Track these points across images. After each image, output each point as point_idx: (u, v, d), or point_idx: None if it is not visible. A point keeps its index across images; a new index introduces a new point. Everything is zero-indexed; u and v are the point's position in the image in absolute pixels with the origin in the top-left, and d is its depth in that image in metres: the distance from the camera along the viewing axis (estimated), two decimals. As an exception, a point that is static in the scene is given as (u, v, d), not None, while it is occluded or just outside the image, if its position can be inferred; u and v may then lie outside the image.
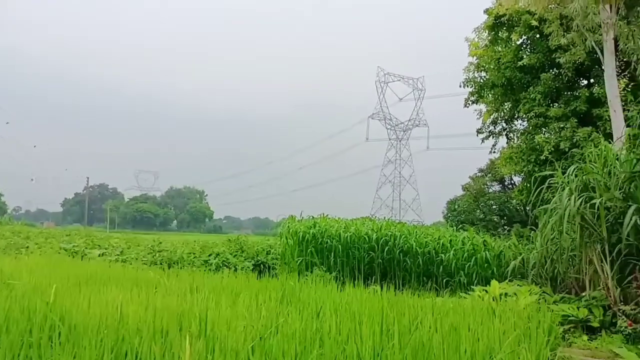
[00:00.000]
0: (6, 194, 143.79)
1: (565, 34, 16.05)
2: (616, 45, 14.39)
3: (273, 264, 15.60)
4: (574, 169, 9.19)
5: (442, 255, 13.45)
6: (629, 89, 16.00)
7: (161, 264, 14.32)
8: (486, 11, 20.47)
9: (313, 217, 16.39)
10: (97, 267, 10.87)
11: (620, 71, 15.27)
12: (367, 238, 14.17)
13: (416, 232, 14.86)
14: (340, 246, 14.05)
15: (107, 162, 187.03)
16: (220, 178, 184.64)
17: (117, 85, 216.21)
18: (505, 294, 8.86)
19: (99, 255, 15.74)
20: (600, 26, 13.76)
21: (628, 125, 12.74)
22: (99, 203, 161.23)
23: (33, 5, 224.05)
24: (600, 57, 14.03)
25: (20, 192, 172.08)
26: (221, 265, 14.40)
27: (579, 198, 8.17)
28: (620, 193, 8.15)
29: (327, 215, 16.59)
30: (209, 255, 15.37)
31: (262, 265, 15.40)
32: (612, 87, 13.48)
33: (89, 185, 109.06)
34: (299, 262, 14.14)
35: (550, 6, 15.31)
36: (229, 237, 18.78)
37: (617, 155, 8.97)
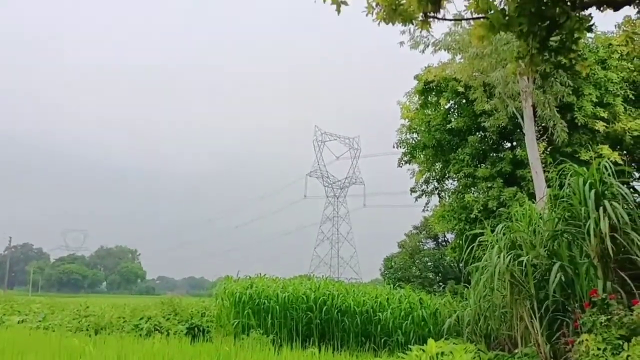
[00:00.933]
0: None
1: (488, 100, 17.21)
2: (535, 112, 15.56)
3: (208, 326, 14.99)
4: (502, 228, 9.59)
5: (380, 314, 13.43)
6: (548, 152, 17.19)
7: (88, 330, 13.45)
8: (416, 77, 21.66)
9: (250, 276, 16.06)
10: (15, 336, 10.06)
11: (539, 135, 16.44)
12: (305, 298, 13.97)
13: (354, 290, 14.82)
14: (277, 307, 13.74)
15: (32, 221, 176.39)
16: (153, 237, 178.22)
17: (42, 141, 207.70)
18: (442, 352, 8.91)
19: (18, 322, 14.61)
20: (519, 94, 14.89)
21: (549, 186, 13.57)
22: (22, 264, 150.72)
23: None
24: (521, 122, 15.09)
25: None
26: (153, 329, 13.67)
27: (508, 255, 8.49)
28: (545, 250, 8.55)
29: (264, 274, 16.31)
30: (140, 319, 14.58)
31: (196, 328, 14.74)
32: (533, 150, 14.45)
33: (11, 245, 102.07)
34: (234, 324, 13.67)
35: (474, 74, 16.44)
36: (162, 299, 17.97)
37: (540, 214, 9.48)
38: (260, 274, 16.38)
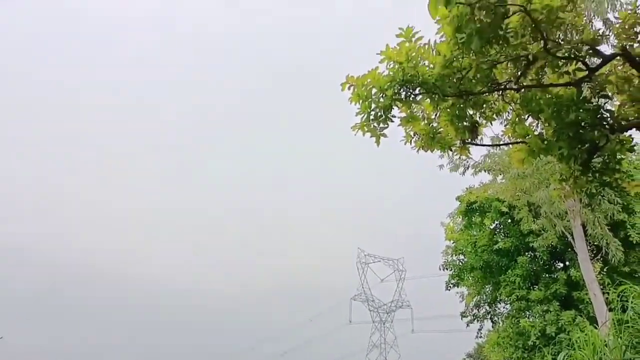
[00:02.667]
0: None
1: (535, 219, 16.90)
2: (585, 231, 15.10)
3: None
4: (564, 356, 8.91)
5: None
6: (604, 272, 16.34)
7: None
8: (458, 198, 21.71)
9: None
10: None
11: (593, 255, 15.80)
12: None
13: None
14: None
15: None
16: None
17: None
18: None
19: None
20: (567, 213, 14.59)
21: (610, 309, 12.74)
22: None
23: None
24: (572, 241, 14.61)
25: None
26: None
27: (574, 388, 7.79)
28: (615, 382, 7.81)
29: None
30: None
31: None
32: (588, 271, 13.81)
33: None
34: None
35: (517, 194, 16.37)
36: None
37: (605, 341, 8.81)
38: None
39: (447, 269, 22.58)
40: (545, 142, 5.04)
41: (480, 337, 23.74)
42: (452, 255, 22.60)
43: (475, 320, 22.90)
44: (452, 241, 22.67)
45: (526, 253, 20.03)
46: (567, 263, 19.74)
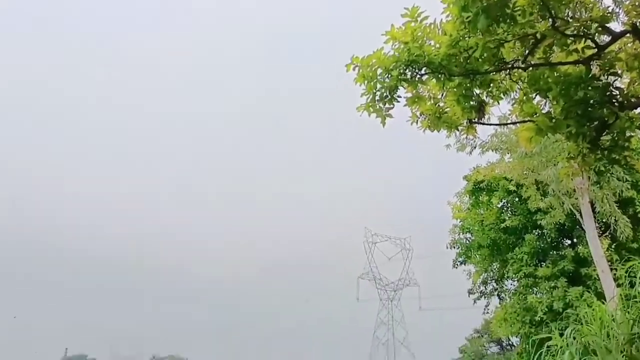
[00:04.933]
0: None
1: (542, 197, 16.85)
2: (593, 208, 15.06)
3: None
4: (572, 331, 8.96)
5: None
6: (612, 249, 16.33)
7: None
8: (465, 177, 21.65)
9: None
10: None
11: (601, 232, 15.77)
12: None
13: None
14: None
15: (87, 332, 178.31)
16: (202, 344, 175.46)
17: (93, 253, 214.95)
18: None
19: None
20: (575, 190, 14.54)
21: (618, 285, 12.77)
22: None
23: None
24: (580, 218, 14.58)
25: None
26: None
27: (582, 363, 7.85)
28: (622, 356, 7.87)
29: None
30: None
31: None
32: (596, 247, 13.80)
33: (66, 356, 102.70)
34: None
35: (525, 173, 16.30)
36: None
37: (612, 316, 8.85)
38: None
39: (454, 248, 22.65)
40: (554, 121, 5.00)
41: (488, 313, 23.94)
42: (459, 234, 22.63)
43: (483, 297, 23.04)
44: (459, 220, 22.68)
45: (534, 231, 20.01)
46: (575, 240, 19.73)
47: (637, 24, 4.73)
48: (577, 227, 18.21)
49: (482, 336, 40.29)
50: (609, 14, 4.83)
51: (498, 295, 22.78)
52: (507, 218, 20.14)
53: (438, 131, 6.09)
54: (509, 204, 21.34)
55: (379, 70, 5.34)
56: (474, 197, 21.68)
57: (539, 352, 9.60)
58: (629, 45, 5.06)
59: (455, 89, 5.50)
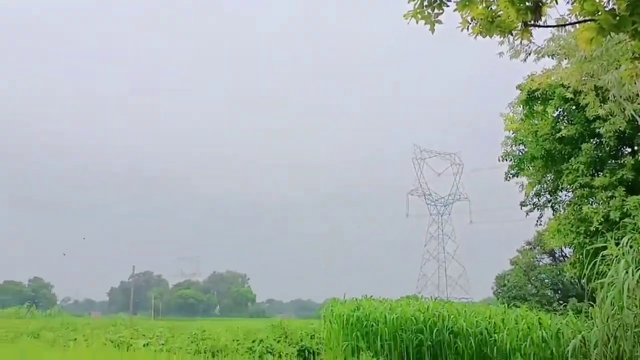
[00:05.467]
0: (56, 285, 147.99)
1: (602, 104, 16.01)
2: (657, 113, 14.24)
3: (318, 349, 15.19)
4: (629, 240, 8.85)
5: (496, 335, 12.83)
6: (676, 156, 15.61)
7: (205, 352, 14.15)
8: (519, 86, 20.74)
9: (356, 298, 16.09)
10: (142, 358, 10.84)
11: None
12: (414, 319, 13.71)
13: (465, 311, 14.32)
14: (386, 329, 13.61)
15: (152, 250, 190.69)
16: (260, 261, 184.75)
17: (156, 174, 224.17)
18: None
19: (143, 346, 15.68)
20: (638, 95, 13.71)
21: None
22: (144, 291, 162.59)
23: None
24: (642, 125, 13.86)
25: (69, 283, 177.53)
26: (265, 352, 14.11)
27: (637, 270, 7.81)
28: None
29: (371, 296, 16.26)
30: (253, 342, 15.12)
31: (306, 351, 15.00)
32: (658, 154, 13.18)
33: (134, 273, 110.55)
34: (344, 347, 13.73)
35: (583, 79, 15.42)
36: (272, 322, 18.56)
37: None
38: (366, 295, 16.38)
39: (506, 160, 22.19)
40: (617, 18, 4.63)
41: (540, 225, 23.76)
42: (511, 146, 22.07)
43: (535, 209, 22.78)
44: (511, 132, 22.02)
45: (591, 140, 19.25)
46: (636, 148, 18.91)
47: None
48: (639, 134, 17.37)
49: (533, 248, 40.31)
50: None
51: (552, 206, 22.46)
52: (562, 128, 19.38)
53: (490, 37, 5.76)
54: (565, 113, 20.44)
55: (427, -27, 5.04)
56: (527, 107, 20.83)
57: (593, 262, 9.60)
58: None
59: (509, -11, 5.14)
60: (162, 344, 15.93)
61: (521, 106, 21.12)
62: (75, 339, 17.91)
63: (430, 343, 13.28)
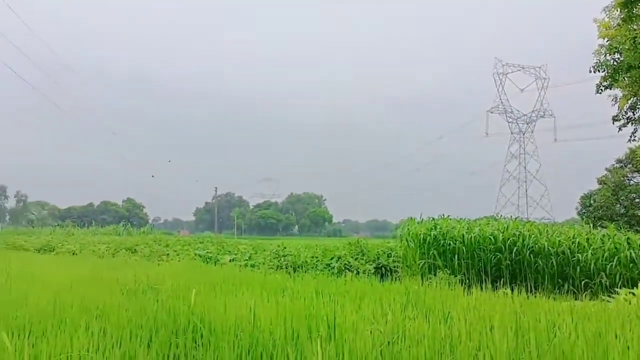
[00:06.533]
0: (147, 206, 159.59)
1: None
2: None
3: (394, 267, 15.49)
4: None
5: (579, 255, 12.44)
6: None
7: (286, 268, 14.84)
8: (616, -13, 18.63)
9: (433, 218, 16.03)
10: (229, 272, 11.53)
11: None
12: (492, 239, 13.54)
13: (547, 230, 13.92)
14: (464, 248, 13.57)
15: (232, 172, 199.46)
16: (337, 182, 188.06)
17: (237, 100, 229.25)
18: (657, 297, 7.97)
19: (229, 261, 16.70)
20: None
21: None
22: (226, 211, 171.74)
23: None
24: None
25: (158, 204, 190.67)
26: (343, 268, 14.59)
27: None
28: None
29: (448, 216, 16.14)
30: (331, 259, 15.65)
31: (383, 268, 15.36)
32: None
33: (217, 194, 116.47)
34: (421, 264, 13.89)
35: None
36: (349, 241, 18.98)
37: None
38: (443, 215, 16.27)
39: (598, 71, 20.43)
40: None
41: (634, 140, 22.08)
42: (605, 55, 20.20)
43: (629, 124, 21.13)
44: (606, 39, 20.07)
45: (700, 44, 17.22)
46: None
47: None
48: None
49: (625, 166, 37.92)
50: None
51: (647, 120, 20.74)
52: (666, 32, 17.42)
53: None
54: (670, 15, 18.27)
55: None
56: (626, 10, 18.74)
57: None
58: None
59: None
60: (247, 260, 16.88)
61: (618, 9, 19.05)
62: (168, 254, 19.40)
63: (509, 262, 13.13)
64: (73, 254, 22.29)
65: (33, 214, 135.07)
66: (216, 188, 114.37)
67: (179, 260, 16.71)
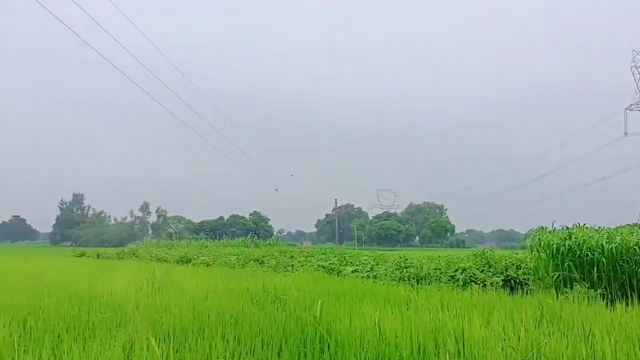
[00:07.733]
0: (271, 218, 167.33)
1: None
2: None
3: (524, 279, 14.58)
4: None
5: None
6: None
7: (409, 280, 14.62)
8: None
9: (567, 227, 14.88)
10: (351, 283, 11.64)
11: None
12: (638, 249, 12.22)
13: None
14: (604, 259, 12.39)
15: (351, 184, 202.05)
16: (458, 190, 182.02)
17: (354, 111, 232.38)
18: None
19: (351, 272, 16.84)
20: None
21: None
22: (346, 222, 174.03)
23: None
24: None
25: (282, 217, 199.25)
26: (468, 280, 14.04)
27: None
28: None
29: (583, 224, 14.88)
30: (455, 271, 15.13)
31: (512, 280, 14.53)
32: None
33: (337, 206, 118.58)
34: (554, 277, 12.93)
35: None
36: (474, 252, 18.21)
37: None
38: (578, 223, 15.03)
39: None
40: None
41: None
42: None
43: None
44: None
45: None
46: None
47: None
48: None
49: None
50: None
51: None
52: None
53: None
54: None
55: None
56: None
57: None
58: None
59: None
60: (368, 271, 16.91)
61: None
62: (292, 265, 20.08)
63: (659, 274, 11.76)
64: (207, 265, 23.96)
65: (172, 227, 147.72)
66: (336, 200, 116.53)
67: (303, 271, 17.21)
